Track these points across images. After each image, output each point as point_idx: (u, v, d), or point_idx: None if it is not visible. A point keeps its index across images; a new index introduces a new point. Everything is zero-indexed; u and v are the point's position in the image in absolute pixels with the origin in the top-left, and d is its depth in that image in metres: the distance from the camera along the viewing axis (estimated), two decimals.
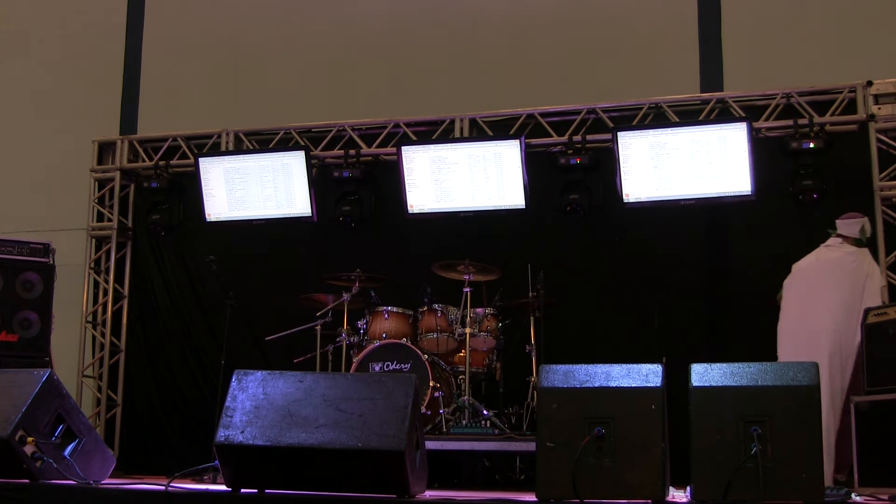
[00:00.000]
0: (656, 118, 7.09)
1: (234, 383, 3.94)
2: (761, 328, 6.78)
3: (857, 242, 5.87)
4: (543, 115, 7.30)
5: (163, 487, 3.91)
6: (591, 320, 7.09)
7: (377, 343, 6.48)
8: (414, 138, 7.53)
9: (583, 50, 7.68)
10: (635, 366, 3.91)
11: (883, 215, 6.50)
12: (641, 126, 6.96)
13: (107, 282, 8.12)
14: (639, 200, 6.83)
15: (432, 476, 4.12)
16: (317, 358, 6.73)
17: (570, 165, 7.08)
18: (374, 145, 7.62)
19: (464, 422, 6.16)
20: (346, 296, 6.68)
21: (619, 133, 6.84)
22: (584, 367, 3.97)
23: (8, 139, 8.88)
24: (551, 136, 7.25)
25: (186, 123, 8.24)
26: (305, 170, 7.41)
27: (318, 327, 6.76)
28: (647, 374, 3.87)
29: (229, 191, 7.61)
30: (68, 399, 4.37)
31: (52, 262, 6.97)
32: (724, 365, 3.86)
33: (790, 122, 6.76)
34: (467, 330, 6.46)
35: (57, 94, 8.86)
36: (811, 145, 6.62)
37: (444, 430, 6.10)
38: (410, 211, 7.26)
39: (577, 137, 7.15)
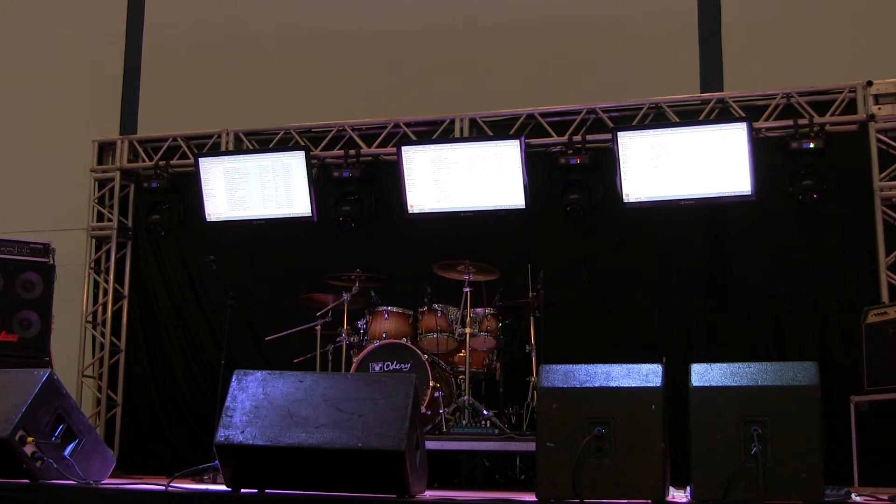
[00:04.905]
0: (656, 118, 7.08)
1: (234, 383, 3.94)
2: (761, 328, 6.82)
3: None
4: (543, 115, 7.30)
5: (163, 487, 3.91)
6: (592, 320, 7.09)
7: (377, 343, 6.47)
8: (414, 138, 7.53)
9: (583, 50, 7.68)
10: (635, 366, 3.91)
11: (883, 215, 6.50)
12: (641, 126, 6.96)
13: (107, 282, 8.12)
14: (639, 200, 6.83)
15: (432, 476, 4.12)
16: (317, 358, 6.72)
17: (570, 165, 7.08)
18: (374, 145, 7.62)
19: (464, 422, 6.16)
20: (346, 296, 6.68)
21: (619, 133, 6.84)
22: (584, 367, 3.97)
23: (8, 139, 8.89)
24: (551, 136, 7.25)
25: (186, 123, 8.24)
26: (305, 170, 7.41)
27: (318, 327, 6.75)
28: (647, 374, 3.87)
29: (229, 191, 7.60)
30: (68, 399, 4.37)
31: (52, 262, 6.97)
32: (724, 365, 3.86)
33: (790, 122, 6.76)
34: (467, 330, 6.45)
35: (57, 94, 8.86)
36: (811, 145, 6.61)
37: (444, 430, 6.10)
38: (410, 211, 7.26)
39: (577, 137, 7.15)
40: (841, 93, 6.73)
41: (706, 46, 7.40)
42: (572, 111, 7.26)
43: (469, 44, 7.95)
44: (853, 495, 4.24)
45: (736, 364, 3.86)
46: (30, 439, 4.07)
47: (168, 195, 8.01)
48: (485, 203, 7.11)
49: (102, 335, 8.06)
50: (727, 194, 6.66)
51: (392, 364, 6.37)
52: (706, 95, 7.12)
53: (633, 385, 3.86)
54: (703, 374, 3.84)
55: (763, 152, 6.66)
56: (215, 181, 7.62)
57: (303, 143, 7.70)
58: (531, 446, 4.55)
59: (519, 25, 7.84)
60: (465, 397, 6.28)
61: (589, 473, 3.73)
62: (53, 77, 8.91)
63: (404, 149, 7.24)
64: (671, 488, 3.91)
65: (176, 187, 8.02)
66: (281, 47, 8.39)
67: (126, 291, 8.13)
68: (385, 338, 6.53)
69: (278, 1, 8.51)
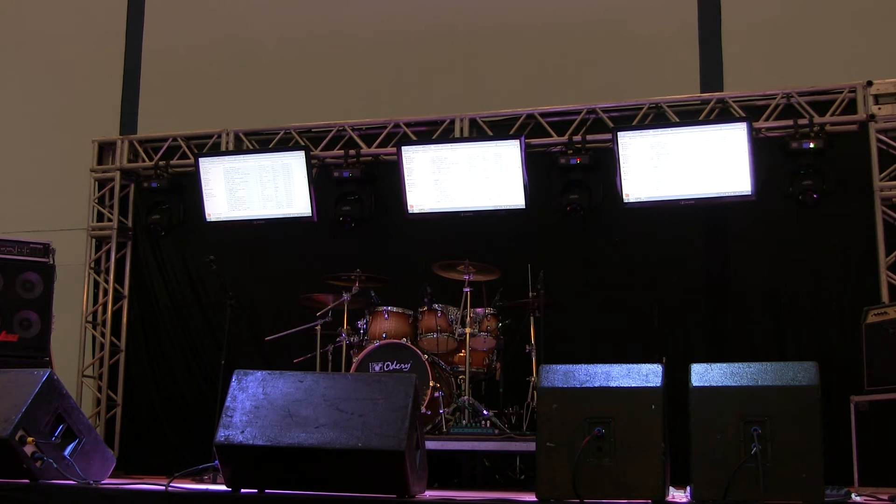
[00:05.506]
0: (656, 118, 7.08)
1: (234, 383, 3.94)
2: (761, 328, 6.82)
3: None
4: (543, 115, 7.30)
5: (163, 487, 3.91)
6: (591, 320, 7.09)
7: (377, 343, 6.47)
8: (414, 138, 7.53)
9: (583, 50, 7.68)
10: (635, 366, 3.91)
11: (883, 215, 6.50)
12: (641, 126, 6.96)
13: (107, 282, 8.12)
14: (639, 200, 6.83)
15: (432, 476, 4.12)
16: (317, 358, 6.72)
17: (570, 165, 7.08)
18: (374, 145, 7.62)
19: (464, 422, 6.16)
20: (346, 296, 6.68)
21: (619, 133, 6.84)
22: (584, 367, 3.97)
23: (8, 139, 8.89)
24: (551, 136, 7.25)
25: (186, 123, 8.24)
26: (305, 170, 7.41)
27: (318, 327, 6.75)
28: (647, 374, 3.87)
29: (229, 191, 7.60)
30: (68, 399, 4.37)
31: (52, 262, 6.97)
32: (724, 365, 3.86)
33: (790, 122, 6.76)
34: (467, 330, 6.45)
35: (57, 94, 8.86)
36: (811, 145, 6.62)
37: (444, 430, 6.10)
38: (410, 211, 7.26)
39: (577, 137, 7.15)
40: (841, 93, 6.73)
41: (706, 46, 7.40)
42: (572, 111, 7.26)
43: (469, 44, 7.94)
44: (853, 495, 4.25)
45: (736, 364, 3.86)
46: (30, 439, 4.07)
47: (168, 195, 8.01)
48: (485, 203, 7.11)
49: (102, 335, 8.06)
50: (727, 194, 6.66)
51: (392, 364, 6.37)
52: (706, 95, 7.12)
53: (633, 385, 3.86)
54: (703, 374, 3.84)
55: (763, 152, 6.66)
56: (215, 181, 7.62)
57: (303, 143, 7.70)
58: (531, 446, 4.55)
59: (519, 25, 7.84)
60: (465, 397, 6.28)
61: (589, 473, 3.73)
62: (53, 77, 8.90)
63: (404, 149, 7.24)
64: (671, 488, 3.91)
65: (176, 187, 8.02)
66: (281, 47, 8.39)
67: (126, 291, 8.13)
68: (385, 338, 6.53)
69: (278, 1, 8.51)
